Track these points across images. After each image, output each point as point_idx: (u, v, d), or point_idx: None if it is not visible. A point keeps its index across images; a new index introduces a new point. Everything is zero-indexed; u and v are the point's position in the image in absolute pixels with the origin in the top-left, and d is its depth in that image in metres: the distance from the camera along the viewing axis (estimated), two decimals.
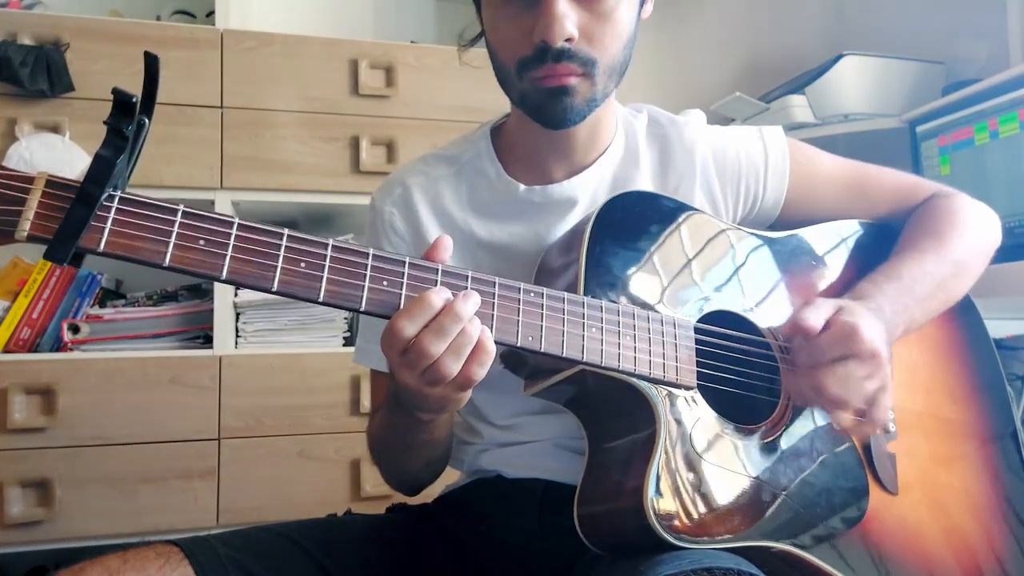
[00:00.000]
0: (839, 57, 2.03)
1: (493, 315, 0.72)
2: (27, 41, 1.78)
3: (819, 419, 0.88)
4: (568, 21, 0.81)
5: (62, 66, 1.78)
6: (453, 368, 0.69)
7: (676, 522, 0.74)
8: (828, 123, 2.08)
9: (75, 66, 1.80)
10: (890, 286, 0.89)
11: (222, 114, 1.90)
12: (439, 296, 0.68)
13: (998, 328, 1.44)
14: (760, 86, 2.34)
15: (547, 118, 0.87)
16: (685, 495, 0.76)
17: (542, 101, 0.86)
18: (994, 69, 1.79)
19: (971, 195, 1.04)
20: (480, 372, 0.71)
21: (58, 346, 1.79)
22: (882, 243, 0.98)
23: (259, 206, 1.99)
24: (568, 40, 0.82)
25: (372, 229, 1.01)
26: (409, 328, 0.67)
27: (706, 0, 2.63)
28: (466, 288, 0.72)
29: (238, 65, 1.92)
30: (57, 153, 1.75)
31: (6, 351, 1.76)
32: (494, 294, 0.73)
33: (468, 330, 0.69)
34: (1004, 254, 1.05)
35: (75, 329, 1.79)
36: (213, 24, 2.01)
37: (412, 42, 2.20)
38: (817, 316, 0.82)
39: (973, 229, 0.99)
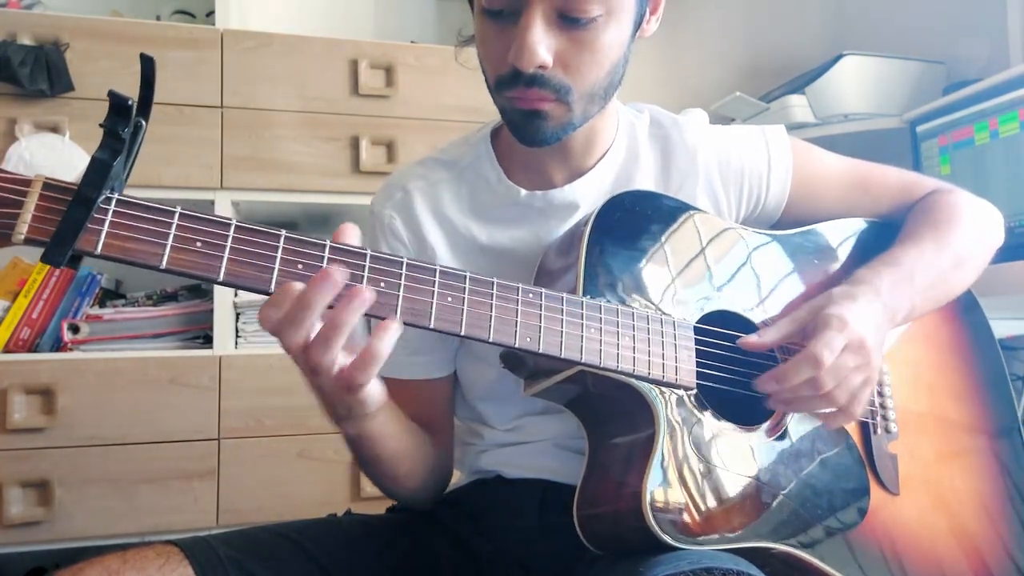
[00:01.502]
0: (839, 57, 2.03)
1: (491, 316, 0.72)
2: (27, 41, 1.78)
3: (819, 419, 0.88)
4: (542, 47, 0.78)
5: (62, 66, 1.78)
6: (323, 358, 0.65)
7: (675, 523, 0.74)
8: (828, 123, 2.08)
9: (75, 66, 1.80)
10: (887, 271, 0.88)
11: (222, 114, 1.90)
12: (297, 285, 0.64)
13: (1000, 328, 1.44)
14: (760, 86, 2.34)
15: (521, 136, 0.86)
16: (685, 496, 0.76)
17: (516, 120, 0.85)
18: (994, 69, 1.79)
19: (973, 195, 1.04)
20: (360, 376, 0.67)
21: (58, 346, 1.79)
22: (884, 241, 0.97)
23: (259, 206, 1.99)
24: (542, 67, 0.79)
25: (371, 233, 1.00)
26: (272, 316, 0.64)
27: (706, 0, 2.62)
28: (464, 287, 0.71)
29: (238, 65, 1.92)
30: (57, 153, 1.75)
31: (6, 351, 1.75)
32: (492, 295, 0.73)
33: (335, 319, 0.64)
34: (1005, 254, 1.05)
35: (75, 329, 1.79)
36: (213, 24, 2.01)
37: (412, 42, 2.20)
38: (768, 335, 0.83)
39: (972, 222, 0.99)
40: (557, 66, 0.80)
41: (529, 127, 0.84)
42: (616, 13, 0.80)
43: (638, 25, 0.86)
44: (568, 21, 0.78)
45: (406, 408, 0.95)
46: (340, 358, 0.66)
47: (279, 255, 0.64)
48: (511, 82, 0.81)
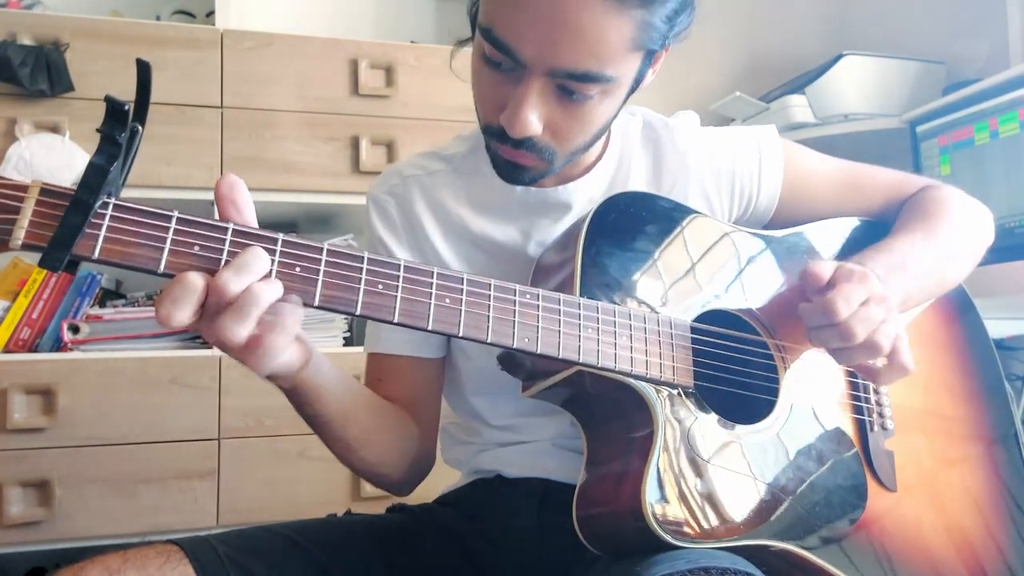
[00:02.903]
0: (839, 57, 2.04)
1: (489, 317, 0.72)
2: (27, 41, 1.78)
3: (817, 417, 0.89)
4: (534, 118, 0.78)
5: (62, 66, 1.78)
6: (234, 332, 0.63)
7: (674, 522, 0.74)
8: (828, 123, 2.08)
9: (75, 66, 1.80)
10: (880, 257, 0.88)
11: (222, 114, 1.90)
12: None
13: (998, 328, 1.44)
14: (760, 86, 2.34)
15: (500, 176, 0.88)
16: (683, 495, 0.76)
17: (498, 163, 0.86)
18: (994, 69, 1.79)
19: (971, 195, 1.04)
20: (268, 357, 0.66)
21: (58, 346, 1.79)
22: (877, 239, 0.98)
23: (259, 206, 1.95)
24: (531, 135, 0.80)
25: (367, 218, 1.01)
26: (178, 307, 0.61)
27: (706, 0, 2.62)
28: (461, 289, 0.71)
29: (238, 65, 1.92)
30: (57, 153, 1.75)
31: (6, 351, 1.76)
32: (489, 296, 0.73)
33: (253, 290, 0.62)
34: (1005, 254, 1.05)
35: (75, 329, 1.79)
36: (213, 24, 2.01)
37: (412, 42, 2.19)
38: (824, 268, 0.81)
39: (962, 216, 0.99)
40: (546, 132, 0.81)
41: (509, 173, 0.86)
42: (612, 91, 0.80)
43: (634, 90, 0.85)
44: (564, 92, 0.78)
45: (390, 386, 0.97)
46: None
47: (276, 258, 0.64)
48: (499, 137, 0.82)
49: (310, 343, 0.75)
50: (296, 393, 0.81)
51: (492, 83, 0.81)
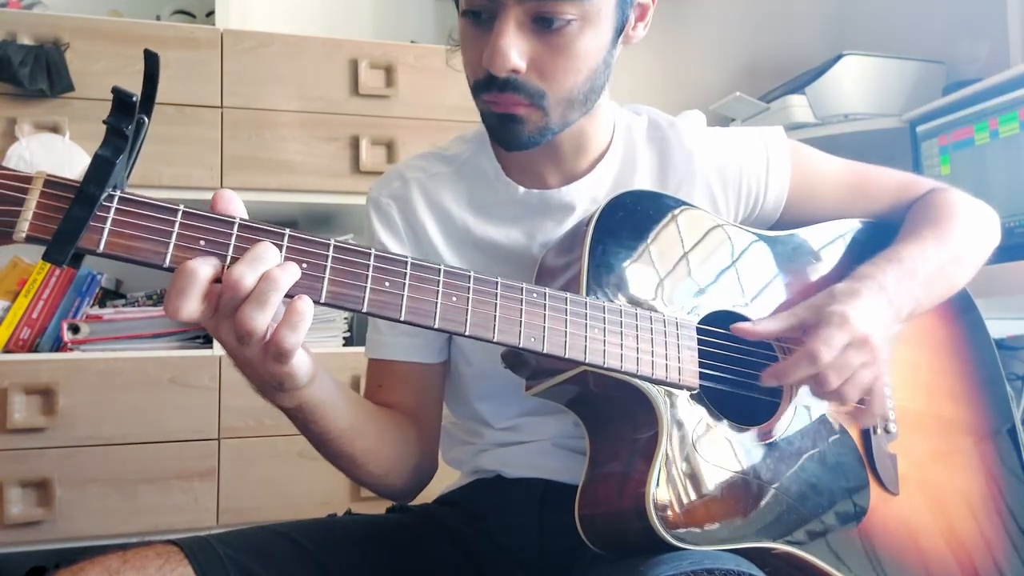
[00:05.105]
0: (839, 57, 2.04)
1: (495, 316, 0.72)
2: (27, 41, 1.78)
3: (821, 419, 0.88)
4: (514, 52, 0.78)
5: (62, 66, 1.78)
6: (256, 319, 0.62)
7: (678, 523, 0.74)
8: (828, 123, 2.08)
9: (75, 66, 1.80)
10: (891, 267, 0.89)
11: (222, 114, 1.90)
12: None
13: (998, 328, 1.44)
14: (760, 86, 2.34)
15: (499, 140, 0.87)
16: (687, 496, 0.76)
17: (493, 124, 0.86)
18: (994, 69, 1.79)
19: (971, 195, 1.04)
20: (290, 337, 0.64)
21: (58, 346, 1.78)
22: (885, 240, 0.98)
23: (259, 206, 1.99)
24: (515, 71, 0.80)
25: (368, 220, 1.01)
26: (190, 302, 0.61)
27: (706, 0, 2.62)
28: (468, 287, 0.71)
29: (238, 65, 1.92)
30: (57, 153, 1.75)
31: (6, 351, 1.75)
32: (496, 294, 0.73)
33: (270, 275, 0.62)
34: (1004, 254, 1.05)
35: (75, 329, 1.79)
36: (213, 24, 2.01)
37: (412, 42, 2.20)
38: (763, 325, 0.84)
39: (970, 219, 0.99)
40: (531, 71, 0.81)
41: (505, 131, 0.85)
42: (592, 19, 0.80)
43: (620, 31, 0.85)
44: (542, 24, 0.79)
45: (391, 392, 0.96)
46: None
47: (283, 253, 0.63)
48: (486, 86, 0.82)
49: (314, 360, 0.74)
50: (302, 411, 0.79)
51: (474, 36, 0.82)
